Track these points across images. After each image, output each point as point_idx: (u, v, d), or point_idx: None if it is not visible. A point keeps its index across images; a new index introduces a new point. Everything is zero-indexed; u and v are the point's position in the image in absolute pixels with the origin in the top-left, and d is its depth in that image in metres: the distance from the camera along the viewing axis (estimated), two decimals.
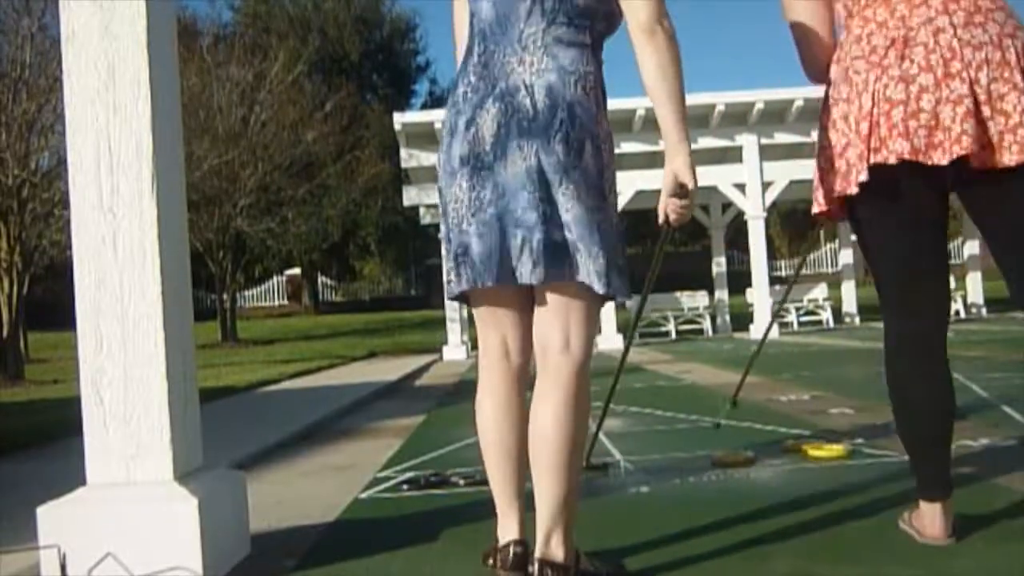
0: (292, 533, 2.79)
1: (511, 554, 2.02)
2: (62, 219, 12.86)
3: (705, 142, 15.22)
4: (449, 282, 2.10)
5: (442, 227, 2.14)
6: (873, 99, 2.09)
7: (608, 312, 14.76)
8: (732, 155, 15.48)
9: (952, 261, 29.95)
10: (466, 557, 2.37)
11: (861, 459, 3.39)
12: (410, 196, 16.58)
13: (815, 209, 2.32)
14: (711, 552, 2.30)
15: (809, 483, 3.02)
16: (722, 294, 18.44)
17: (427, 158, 14.84)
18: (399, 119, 14.98)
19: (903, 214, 2.15)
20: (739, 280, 20.04)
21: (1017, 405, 4.49)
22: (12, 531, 2.60)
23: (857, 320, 18.28)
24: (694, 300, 17.54)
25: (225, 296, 22.14)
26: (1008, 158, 2.03)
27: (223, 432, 5.22)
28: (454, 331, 14.67)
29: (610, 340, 14.52)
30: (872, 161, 2.08)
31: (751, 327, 15.44)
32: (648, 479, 3.30)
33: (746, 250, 18.22)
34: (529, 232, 1.93)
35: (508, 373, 2.11)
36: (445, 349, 14.67)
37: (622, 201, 14.88)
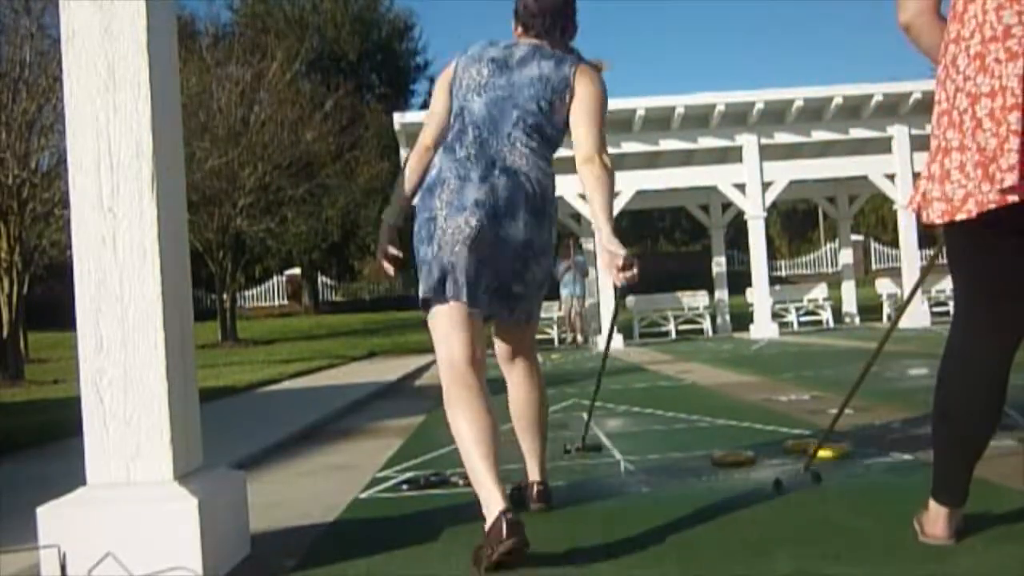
0: (292, 533, 2.79)
1: (514, 521, 2.24)
2: (62, 219, 12.86)
3: (705, 142, 15.22)
4: (434, 291, 2.53)
5: (420, 250, 2.56)
6: None
7: (607, 315, 14.76)
8: (732, 155, 15.48)
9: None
10: (466, 557, 2.37)
11: (861, 459, 3.39)
12: None
13: (939, 217, 2.02)
14: (711, 552, 2.30)
15: (809, 483, 3.01)
16: (722, 294, 18.45)
17: None
18: (399, 119, 14.99)
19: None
20: (739, 280, 20.03)
21: (1017, 405, 4.49)
22: (12, 531, 2.60)
23: (857, 320, 18.29)
24: (694, 300, 17.54)
25: (225, 296, 22.13)
26: None
27: (223, 432, 5.21)
28: None
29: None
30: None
31: (751, 327, 15.44)
32: (648, 479, 3.30)
33: (746, 250, 18.23)
34: (506, 279, 2.61)
35: (480, 375, 2.52)
36: None
37: (622, 201, 14.92)
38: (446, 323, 2.55)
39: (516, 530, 2.17)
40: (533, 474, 2.86)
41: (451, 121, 2.71)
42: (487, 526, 2.22)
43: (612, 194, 2.58)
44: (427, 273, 2.54)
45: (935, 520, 2.17)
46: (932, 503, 2.18)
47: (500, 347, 2.83)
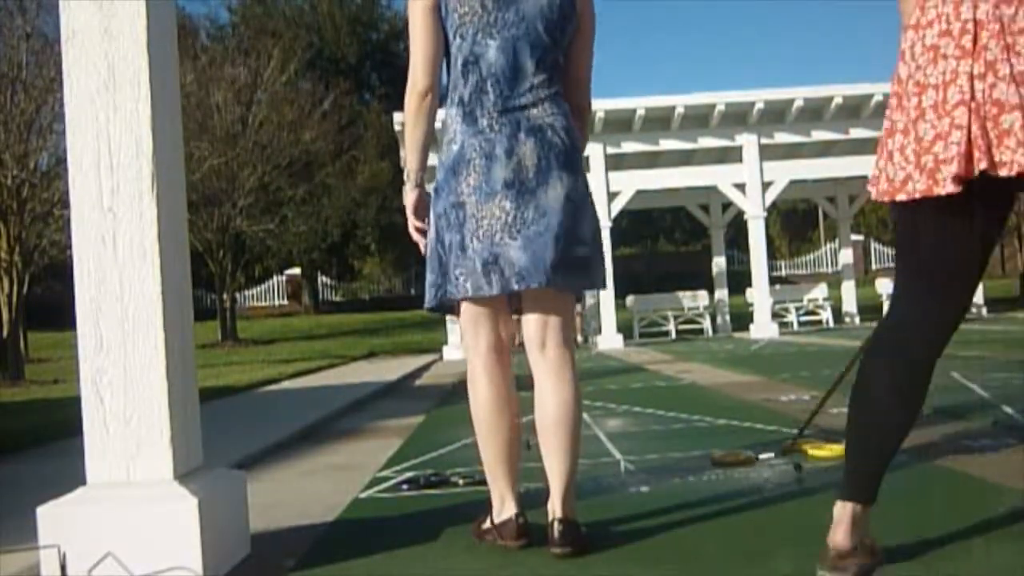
0: (292, 533, 2.79)
1: (520, 524, 2.33)
2: (62, 219, 12.87)
3: (705, 142, 15.23)
4: (455, 286, 2.36)
5: (446, 236, 2.37)
6: (972, 96, 1.84)
7: (608, 312, 14.77)
8: (732, 155, 15.49)
9: None
10: (466, 557, 2.37)
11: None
12: None
13: (881, 196, 2.03)
14: (711, 552, 2.30)
15: (809, 483, 3.02)
16: (722, 294, 18.45)
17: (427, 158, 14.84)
18: (399, 118, 14.94)
19: (971, 220, 1.94)
20: (739, 280, 20.05)
21: (1017, 405, 4.49)
22: (12, 531, 2.60)
23: (857, 320, 18.29)
24: (694, 300, 17.55)
25: (225, 296, 22.14)
26: None
27: (223, 432, 5.22)
28: (454, 331, 14.66)
29: (610, 340, 14.52)
30: (979, 169, 1.84)
31: (751, 327, 15.44)
32: (648, 479, 3.30)
33: (746, 250, 18.25)
34: (567, 245, 2.32)
35: (503, 366, 2.43)
36: (445, 349, 14.68)
37: (622, 201, 14.93)
38: (470, 315, 2.43)
39: (527, 533, 2.31)
40: (555, 505, 2.30)
41: (459, 67, 2.40)
42: (497, 519, 2.34)
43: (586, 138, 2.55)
44: (459, 263, 2.33)
45: (837, 524, 1.99)
46: (837, 504, 2.02)
47: (530, 331, 2.40)
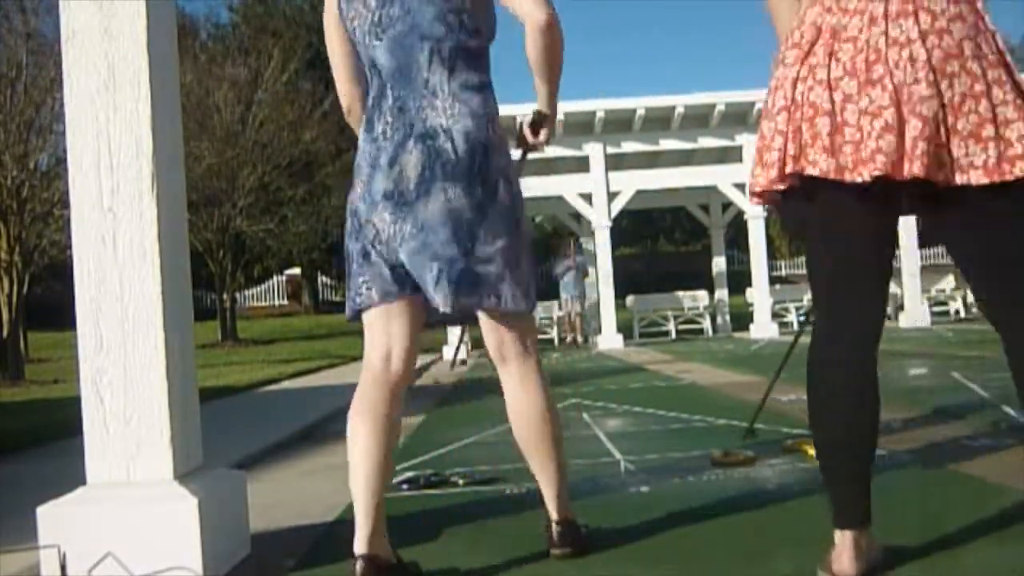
0: (292, 533, 2.79)
1: (361, 567, 2.10)
2: (62, 219, 12.87)
3: (705, 142, 15.22)
4: (359, 295, 2.23)
5: (349, 245, 2.26)
6: (793, 100, 1.91)
7: (608, 312, 14.76)
8: (732, 155, 15.48)
9: (951, 261, 30.02)
10: (466, 557, 2.37)
11: None
12: None
13: (751, 191, 2.08)
14: (711, 552, 2.30)
15: (809, 483, 3.01)
16: (722, 294, 18.44)
17: None
18: None
19: (830, 225, 1.97)
20: (739, 280, 20.04)
21: (1017, 405, 4.49)
22: (12, 531, 2.60)
23: None
24: (694, 300, 17.54)
25: (225, 296, 22.14)
26: (975, 177, 1.82)
27: (223, 432, 5.22)
28: (454, 331, 14.66)
29: (609, 340, 14.52)
30: (790, 169, 1.91)
31: (751, 327, 15.44)
32: (648, 479, 3.30)
33: (746, 250, 18.23)
34: (448, 265, 2.12)
35: (386, 384, 2.22)
36: (445, 349, 14.68)
37: (622, 201, 14.92)
38: (366, 326, 2.26)
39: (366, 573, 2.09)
40: (549, 509, 2.32)
41: (367, 72, 2.29)
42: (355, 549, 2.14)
43: (562, 59, 2.22)
44: (363, 271, 2.22)
45: (839, 551, 1.94)
46: (836, 532, 1.95)
47: (489, 346, 2.29)
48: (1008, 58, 1.88)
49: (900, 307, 15.58)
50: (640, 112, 14.31)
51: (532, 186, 15.28)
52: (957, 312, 17.20)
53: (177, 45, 2.55)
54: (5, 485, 4.11)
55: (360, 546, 2.11)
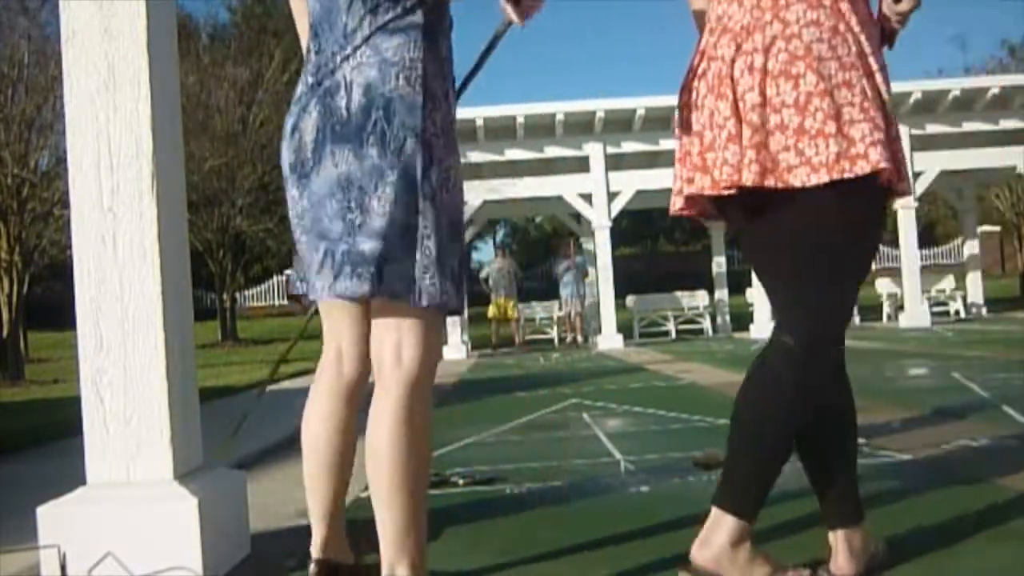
0: (292, 533, 2.79)
1: (310, 574, 2.02)
2: (62, 219, 12.88)
3: None
4: (299, 283, 2.01)
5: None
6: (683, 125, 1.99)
7: (608, 312, 14.76)
8: None
9: (951, 261, 30.00)
10: (466, 557, 2.37)
11: (860, 458, 3.39)
12: None
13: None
14: None
15: (809, 483, 3.01)
16: (722, 294, 18.44)
17: None
18: None
19: (734, 237, 2.12)
20: (739, 280, 20.03)
21: (1017, 405, 4.49)
22: (12, 531, 2.60)
23: (857, 320, 18.25)
24: (694, 300, 17.54)
25: (225, 296, 22.14)
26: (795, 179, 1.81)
27: (223, 432, 5.21)
28: (454, 331, 14.67)
29: (609, 340, 14.52)
30: (686, 192, 1.97)
31: (751, 327, 15.43)
32: (648, 479, 3.30)
33: None
34: (332, 244, 1.81)
35: (338, 381, 2.03)
36: (445, 349, 14.68)
37: (622, 201, 14.91)
38: (329, 320, 2.07)
39: None
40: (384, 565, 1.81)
41: None
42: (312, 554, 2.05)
43: None
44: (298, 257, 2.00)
45: (835, 552, 2.00)
46: (713, 509, 1.93)
47: (372, 351, 1.89)
48: (871, 61, 1.85)
49: (900, 307, 15.59)
50: (640, 112, 14.31)
51: (532, 186, 15.30)
52: (957, 312, 17.20)
53: (177, 45, 2.55)
54: (5, 485, 4.11)
55: (316, 550, 2.03)
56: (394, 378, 1.82)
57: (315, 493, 2.03)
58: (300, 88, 1.95)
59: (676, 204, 2.06)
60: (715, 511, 1.91)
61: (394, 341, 1.84)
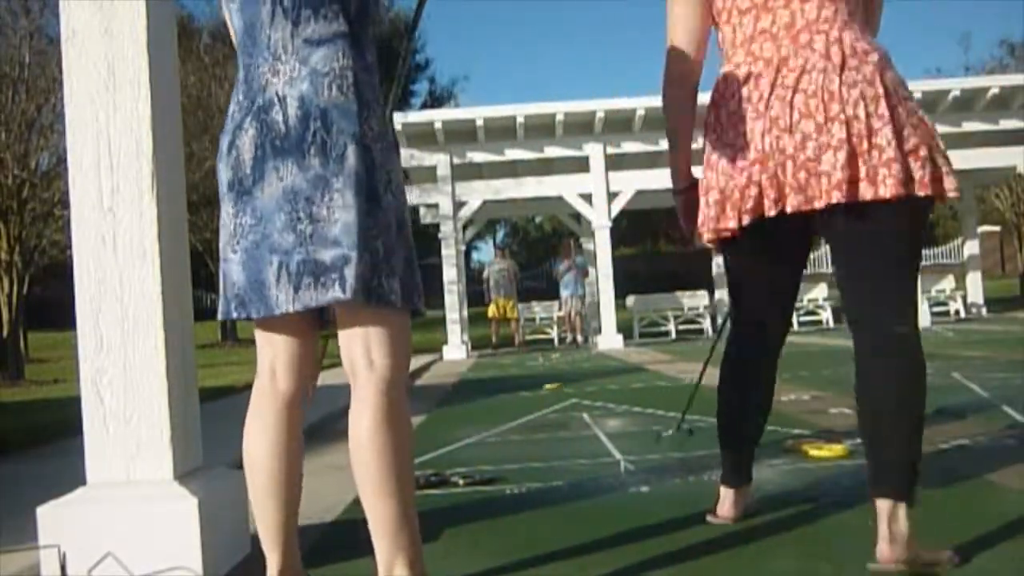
0: None
1: None
2: (62, 219, 12.87)
3: None
4: (227, 301, 1.94)
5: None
6: (765, 151, 2.15)
7: (608, 312, 14.76)
8: None
9: (951, 261, 29.98)
10: (466, 557, 2.37)
11: (861, 459, 3.38)
12: (410, 196, 16.58)
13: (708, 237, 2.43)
14: (712, 552, 2.30)
15: (809, 483, 3.02)
16: (722, 294, 18.43)
17: (427, 158, 14.84)
18: (400, 119, 14.95)
19: (768, 254, 2.36)
20: None
21: (1016, 405, 4.50)
22: (12, 531, 2.60)
23: None
24: (694, 300, 17.54)
25: None
26: (883, 191, 2.04)
27: (223, 432, 5.21)
28: (454, 331, 14.67)
29: (610, 340, 14.52)
30: (770, 213, 2.17)
31: None
32: (648, 479, 3.30)
33: None
34: (286, 256, 1.81)
35: (275, 398, 1.97)
36: (445, 349, 14.68)
37: (622, 201, 14.91)
38: (262, 335, 2.01)
39: None
40: (379, 566, 1.82)
41: None
42: None
43: None
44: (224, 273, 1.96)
45: (722, 502, 2.52)
46: (721, 487, 2.53)
47: (342, 352, 1.90)
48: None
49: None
50: (640, 112, 14.31)
51: (532, 186, 15.30)
52: (957, 312, 17.20)
53: (177, 45, 2.55)
54: (5, 485, 4.11)
55: (274, 567, 1.95)
56: (369, 383, 1.84)
57: (264, 515, 1.94)
58: (232, 107, 1.93)
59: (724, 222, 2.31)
60: (883, 504, 2.02)
61: (363, 346, 1.85)
